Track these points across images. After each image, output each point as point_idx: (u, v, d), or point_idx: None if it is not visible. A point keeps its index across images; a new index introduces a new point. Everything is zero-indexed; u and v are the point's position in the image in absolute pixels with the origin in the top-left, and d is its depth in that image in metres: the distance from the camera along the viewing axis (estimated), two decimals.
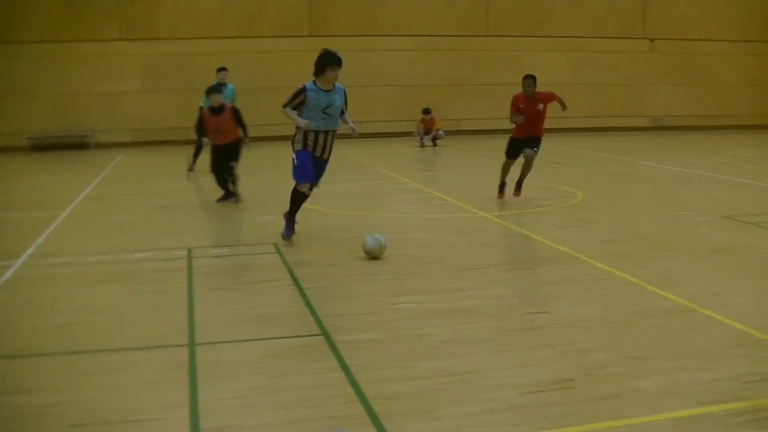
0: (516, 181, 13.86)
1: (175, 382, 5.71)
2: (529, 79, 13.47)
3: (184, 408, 5.25)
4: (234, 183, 13.87)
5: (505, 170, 13.96)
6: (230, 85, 18.51)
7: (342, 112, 10.39)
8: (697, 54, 31.66)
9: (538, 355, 6.23)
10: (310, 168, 10.17)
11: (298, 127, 10.11)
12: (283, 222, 10.51)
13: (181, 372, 5.89)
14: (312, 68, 10.07)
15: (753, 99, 32.41)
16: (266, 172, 18.20)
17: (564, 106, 13.86)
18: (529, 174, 13.87)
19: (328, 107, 10.07)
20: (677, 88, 31.60)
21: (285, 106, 10.12)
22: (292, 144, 10.25)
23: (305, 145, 10.14)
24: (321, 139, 10.17)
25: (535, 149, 13.58)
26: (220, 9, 27.15)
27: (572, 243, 10.22)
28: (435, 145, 25.03)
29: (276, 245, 10.19)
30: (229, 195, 13.82)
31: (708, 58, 31.83)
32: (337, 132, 10.41)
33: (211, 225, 12.21)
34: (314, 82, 10.08)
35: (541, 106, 13.44)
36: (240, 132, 13.88)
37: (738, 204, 13.46)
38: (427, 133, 25.07)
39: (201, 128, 13.97)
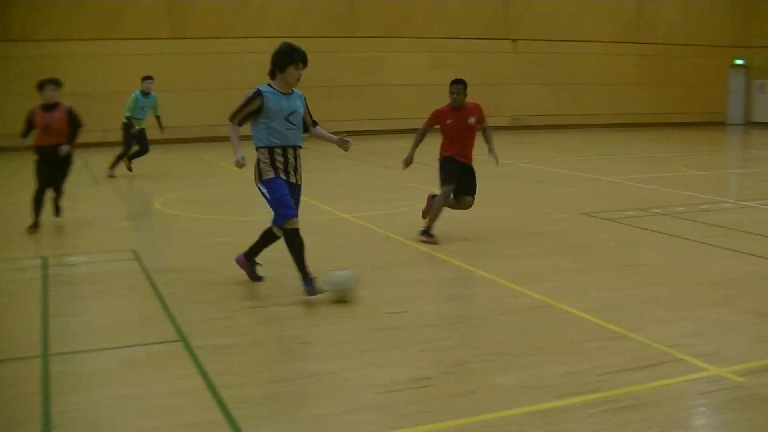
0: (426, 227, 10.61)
1: (27, 395, 5.54)
2: (459, 85, 10.52)
3: (36, 422, 5.10)
4: (58, 205, 12.27)
5: (444, 200, 10.69)
6: (153, 94, 18.02)
7: (315, 123, 8.56)
8: (558, 54, 32.44)
9: (397, 355, 6.29)
10: (287, 198, 8.01)
11: (261, 147, 7.98)
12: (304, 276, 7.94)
13: (33, 385, 5.72)
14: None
15: (612, 98, 33.46)
16: (116, 179, 17.74)
17: (491, 151, 11.01)
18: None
19: (291, 114, 7.98)
20: (539, 88, 32.31)
21: (232, 118, 7.99)
22: (258, 173, 8.02)
23: (276, 170, 7.96)
24: (291, 157, 8.03)
25: (473, 195, 10.87)
26: (76, 10, 26.39)
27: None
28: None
29: (134, 251, 9.99)
30: (37, 224, 11.72)
31: (569, 58, 32.67)
32: (313, 149, 8.70)
33: (67, 233, 11.84)
34: (269, 84, 8.02)
35: (472, 119, 10.61)
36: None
37: (597, 200, 13.89)
38: None
39: (27, 127, 11.86)
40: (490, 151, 10.98)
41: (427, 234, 10.46)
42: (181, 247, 9.58)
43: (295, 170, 8.12)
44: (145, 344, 6.59)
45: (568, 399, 5.39)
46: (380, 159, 21.41)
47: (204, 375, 5.82)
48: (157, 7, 27.14)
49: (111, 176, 17.58)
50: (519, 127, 31.91)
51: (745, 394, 5.51)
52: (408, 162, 10.81)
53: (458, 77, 10.70)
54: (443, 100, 10.80)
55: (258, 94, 7.88)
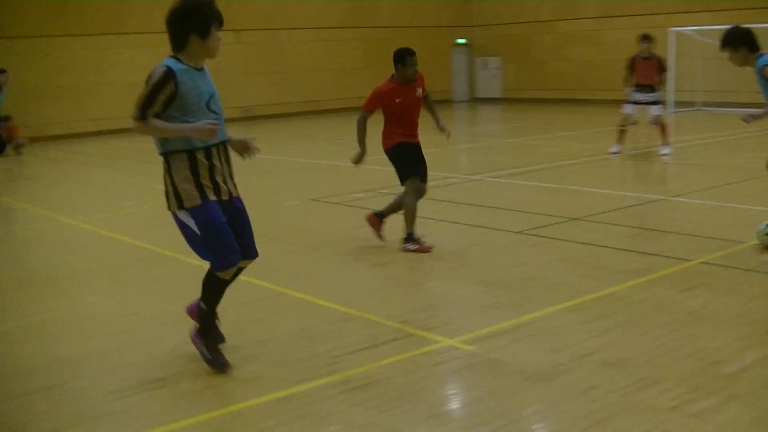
0: (381, 211, 9.65)
1: None
2: (414, 56, 9.02)
3: None
4: None
5: (415, 196, 9.29)
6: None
7: None
8: (282, 42, 32.51)
9: (129, 359, 6.15)
10: (228, 232, 5.59)
11: (174, 151, 5.50)
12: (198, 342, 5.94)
13: None
14: None
15: (338, 83, 33.87)
16: None
17: (440, 124, 9.75)
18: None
19: (211, 98, 5.65)
20: (264, 78, 32.26)
21: (142, 115, 5.38)
22: (176, 198, 5.53)
23: (202, 190, 5.49)
24: (217, 161, 5.58)
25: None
26: None
27: (159, 241, 10.07)
28: (19, 153, 23.88)
29: None
30: None
31: (293, 46, 32.81)
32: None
33: None
34: (176, 58, 5.52)
35: (419, 90, 9.25)
36: None
37: (326, 185, 14.09)
38: (8, 142, 23.86)
39: None
40: (439, 125, 9.65)
41: (412, 241, 9.15)
42: None
43: (225, 178, 5.65)
44: None
45: (303, 384, 5.45)
46: (107, 161, 20.89)
47: None
48: None
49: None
50: (248, 118, 31.78)
51: (474, 361, 5.78)
52: (361, 157, 9.34)
53: (404, 47, 9.09)
54: None
55: (170, 74, 5.34)
